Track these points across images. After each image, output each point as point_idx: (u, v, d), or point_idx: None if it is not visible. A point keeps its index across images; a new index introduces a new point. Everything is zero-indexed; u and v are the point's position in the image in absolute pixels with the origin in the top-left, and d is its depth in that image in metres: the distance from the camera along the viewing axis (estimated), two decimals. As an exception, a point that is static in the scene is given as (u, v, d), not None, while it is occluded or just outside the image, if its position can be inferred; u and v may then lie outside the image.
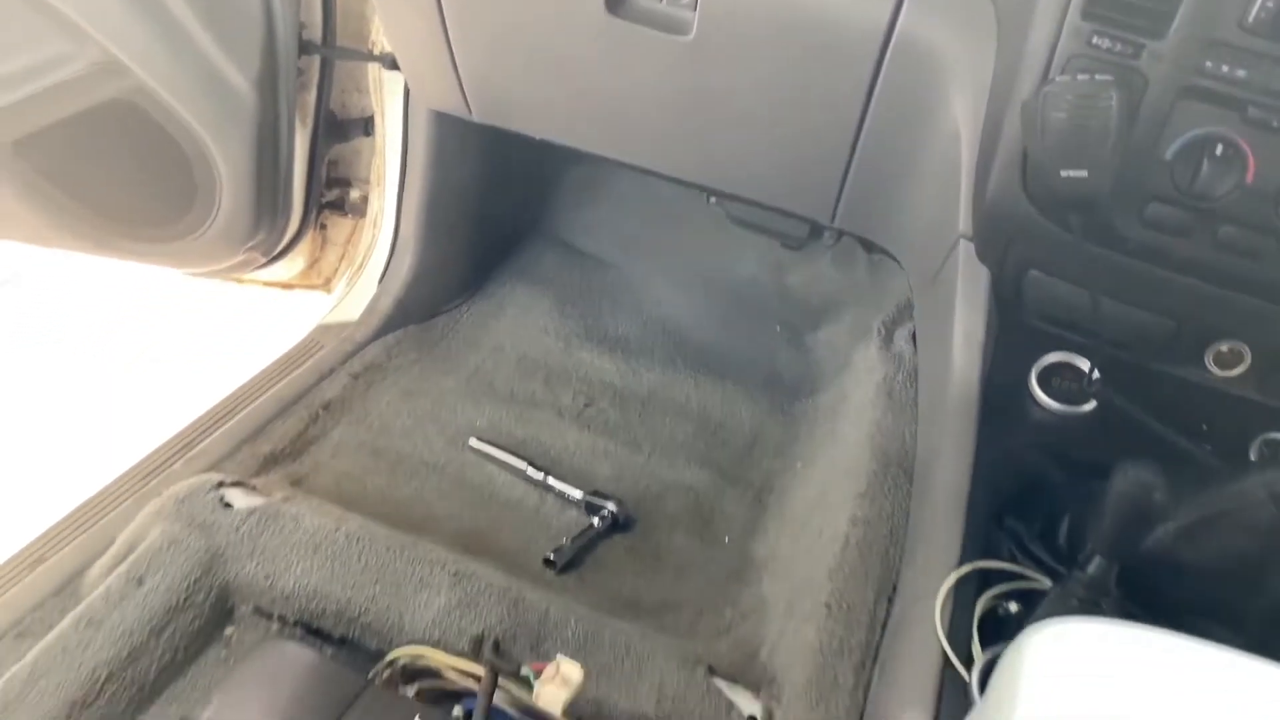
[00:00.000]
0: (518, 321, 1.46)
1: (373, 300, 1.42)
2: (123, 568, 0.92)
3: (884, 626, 0.88)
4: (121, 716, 0.85)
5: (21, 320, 1.72)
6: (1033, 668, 0.49)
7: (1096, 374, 0.90)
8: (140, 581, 0.90)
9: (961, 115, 0.89)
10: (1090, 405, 0.95)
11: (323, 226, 1.47)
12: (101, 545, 1.00)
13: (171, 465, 1.12)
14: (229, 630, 0.94)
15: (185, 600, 0.91)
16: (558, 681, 0.86)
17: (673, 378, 1.40)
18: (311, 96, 1.33)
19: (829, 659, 0.87)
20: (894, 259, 1.15)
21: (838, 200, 1.06)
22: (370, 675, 0.89)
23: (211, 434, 1.17)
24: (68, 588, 0.97)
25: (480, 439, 1.26)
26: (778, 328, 1.48)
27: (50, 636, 0.86)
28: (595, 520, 1.17)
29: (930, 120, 0.93)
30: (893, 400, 1.08)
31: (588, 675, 0.88)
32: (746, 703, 0.91)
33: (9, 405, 1.54)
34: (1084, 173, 0.77)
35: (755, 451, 1.31)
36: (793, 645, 0.93)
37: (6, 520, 1.09)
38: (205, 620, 0.92)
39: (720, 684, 0.93)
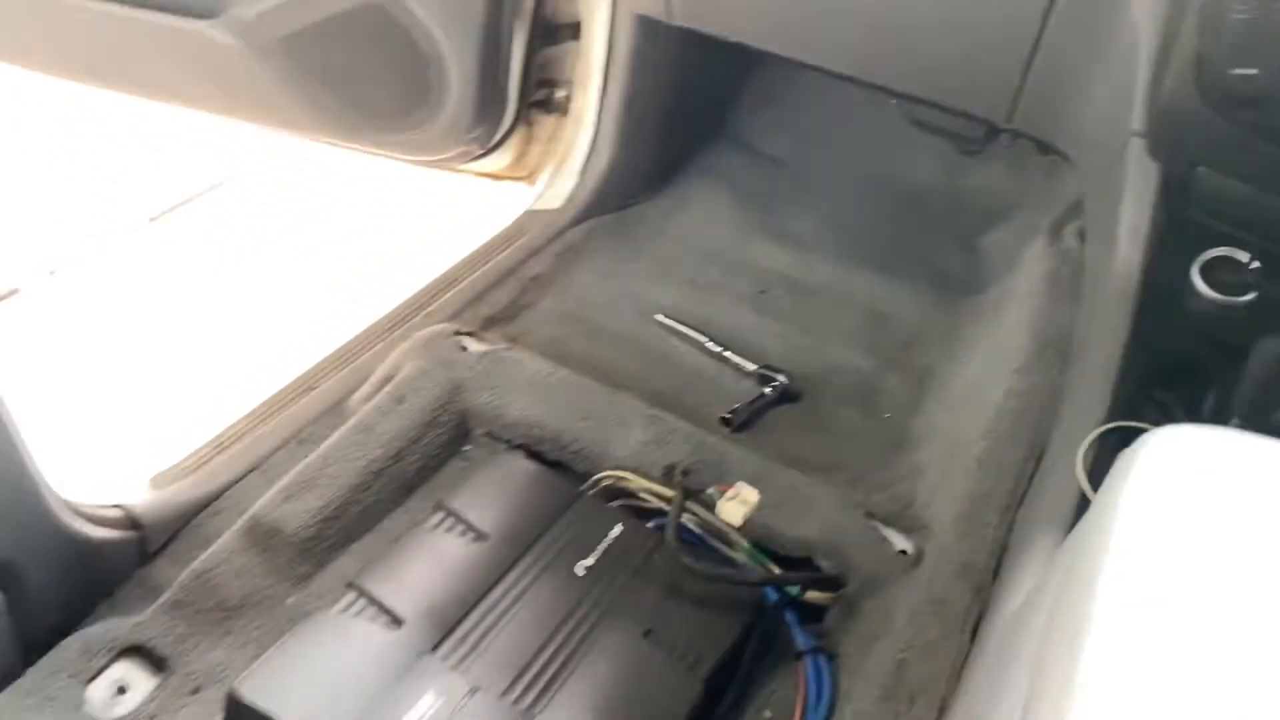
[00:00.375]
0: (701, 215, 1.61)
1: (573, 191, 1.59)
2: (386, 389, 1.14)
3: (1030, 479, 1.00)
4: (389, 501, 1.07)
5: (254, 212, 2.04)
6: (1146, 465, 0.59)
7: (1256, 264, 0.97)
8: (401, 400, 1.12)
9: (1140, 15, 0.96)
10: (1249, 296, 1.02)
11: (530, 123, 1.65)
12: (360, 378, 1.23)
13: (412, 320, 1.34)
14: (467, 447, 1.15)
15: (434, 419, 1.13)
16: (737, 501, 1.04)
17: (843, 272, 1.52)
18: (529, 2, 1.50)
19: (977, 503, 1.00)
20: (1066, 159, 1.22)
21: (1015, 100, 1.15)
22: (580, 490, 1.09)
23: (441, 297, 1.39)
24: (335, 408, 1.20)
25: (665, 315, 1.42)
26: (948, 230, 1.57)
27: (335, 437, 1.09)
28: (767, 389, 1.32)
29: (1110, 20, 1.00)
30: (1056, 290, 1.17)
31: (762, 500, 1.05)
32: (899, 540, 1.06)
33: (276, 271, 1.85)
34: (1255, 71, 0.85)
35: (919, 342, 1.42)
36: (944, 497, 1.06)
37: (285, 357, 1.33)
38: (449, 437, 1.14)
39: (876, 524, 1.07)
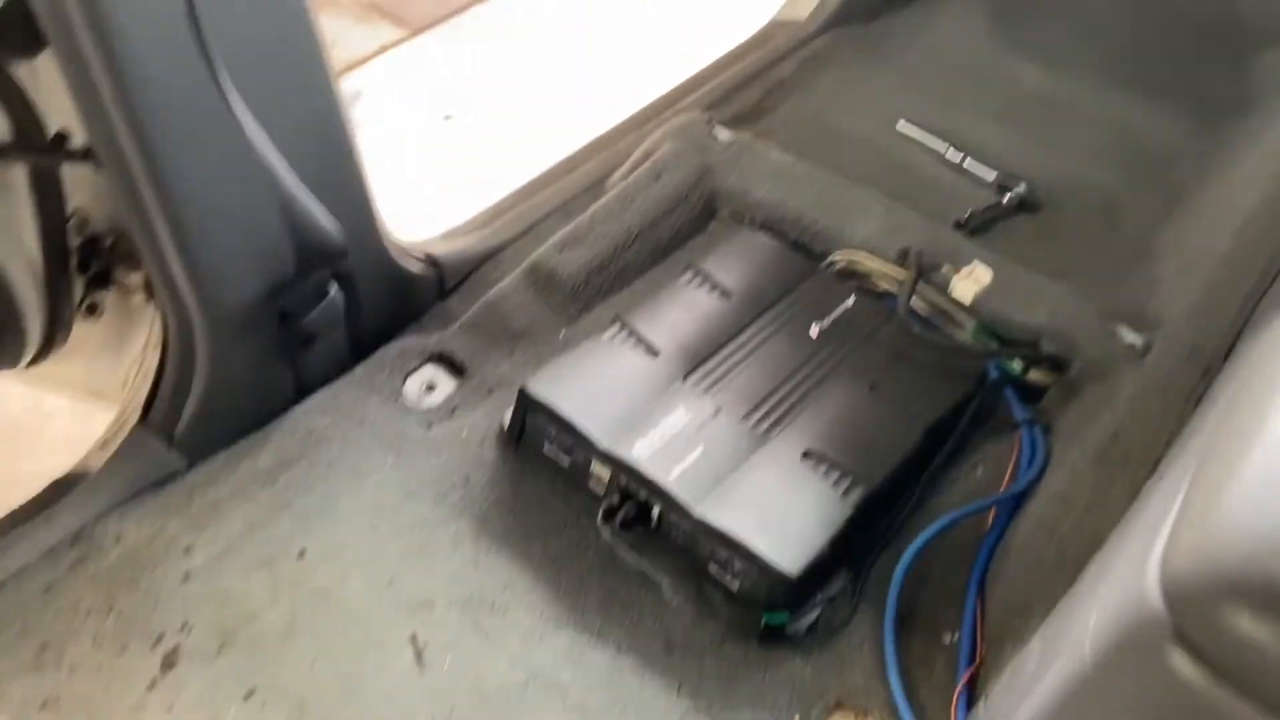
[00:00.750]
0: (950, 28, 1.62)
1: (820, 1, 1.64)
2: (645, 166, 1.28)
3: (1276, 277, 1.02)
4: (644, 262, 1.23)
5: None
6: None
7: None
8: (658, 177, 1.26)
9: None
10: None
11: (785, -68, 1.70)
12: (618, 162, 1.37)
13: (664, 114, 1.47)
14: (713, 225, 1.29)
15: (686, 195, 1.26)
16: (971, 279, 1.12)
17: (1098, 89, 1.51)
18: None
19: (1215, 295, 1.03)
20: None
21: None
22: (817, 267, 1.20)
23: (693, 94, 1.50)
24: (595, 186, 1.36)
25: (907, 123, 1.48)
26: (1219, 50, 1.52)
27: (601, 202, 1.25)
28: (1005, 198, 1.37)
29: None
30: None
31: (994, 282, 1.13)
32: (1130, 335, 1.11)
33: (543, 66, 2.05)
34: None
35: (1173, 162, 1.41)
36: (1182, 294, 1.10)
37: (551, 142, 1.50)
38: (697, 213, 1.27)
39: (1107, 319, 1.13)
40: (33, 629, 0.90)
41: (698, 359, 1.07)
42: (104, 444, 1.06)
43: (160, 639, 0.91)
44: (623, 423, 1.00)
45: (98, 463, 1.03)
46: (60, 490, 1.01)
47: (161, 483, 1.02)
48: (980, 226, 1.34)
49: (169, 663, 0.89)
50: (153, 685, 0.88)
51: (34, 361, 1.09)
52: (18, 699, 0.87)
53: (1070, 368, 1.10)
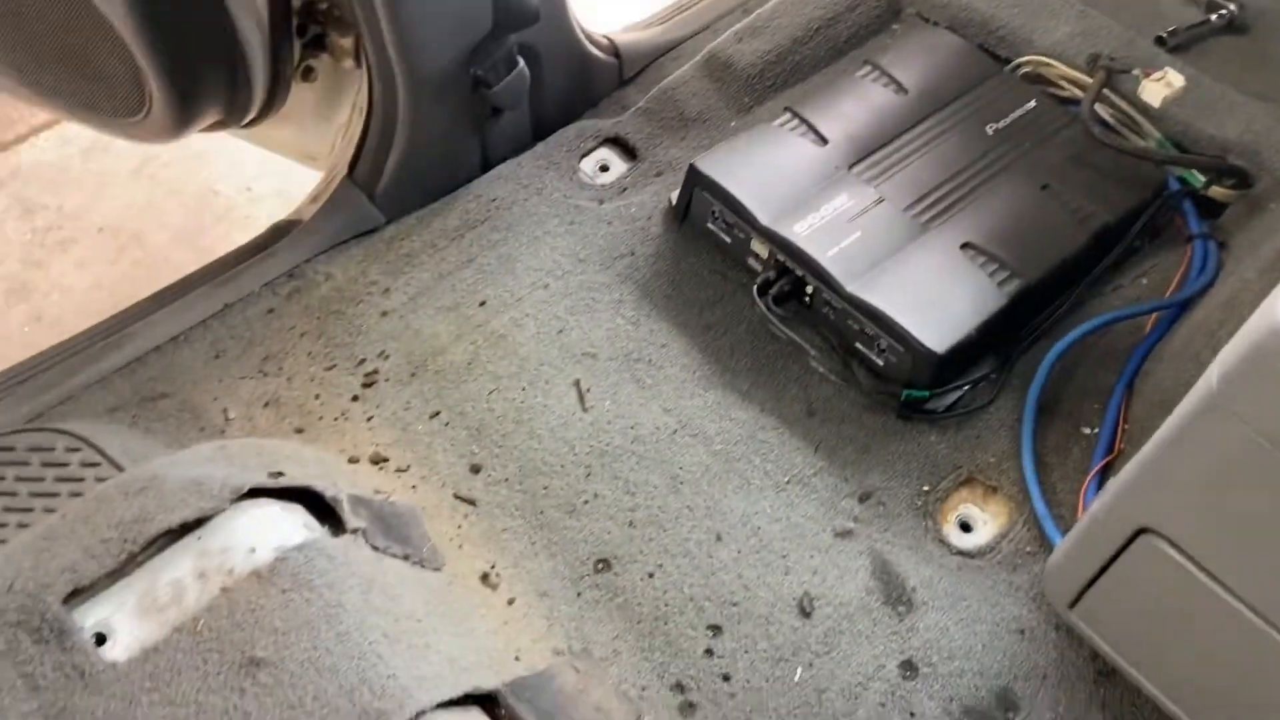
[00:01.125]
0: None
1: None
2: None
3: None
4: (821, 58, 1.25)
5: None
6: None
7: None
8: (839, -24, 1.26)
9: None
10: None
11: None
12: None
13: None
14: (894, 26, 1.28)
15: (870, -8, 1.26)
16: (1163, 83, 1.09)
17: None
18: None
19: None
20: None
21: None
22: (1001, 68, 1.19)
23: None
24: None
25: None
26: None
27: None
28: (1213, 16, 1.29)
29: None
30: None
31: (1186, 90, 1.10)
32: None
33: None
34: None
35: None
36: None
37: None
38: (881, 12, 1.27)
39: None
40: (258, 342, 1.06)
41: (866, 150, 1.10)
42: (314, 198, 1.19)
43: (362, 362, 1.05)
44: (785, 204, 1.05)
45: (309, 213, 1.17)
46: (278, 234, 1.16)
47: (364, 234, 1.15)
48: (1182, 44, 1.28)
49: (368, 382, 1.03)
50: (355, 398, 1.02)
51: (255, 121, 1.22)
52: (245, 398, 1.03)
53: (1256, 184, 1.07)
